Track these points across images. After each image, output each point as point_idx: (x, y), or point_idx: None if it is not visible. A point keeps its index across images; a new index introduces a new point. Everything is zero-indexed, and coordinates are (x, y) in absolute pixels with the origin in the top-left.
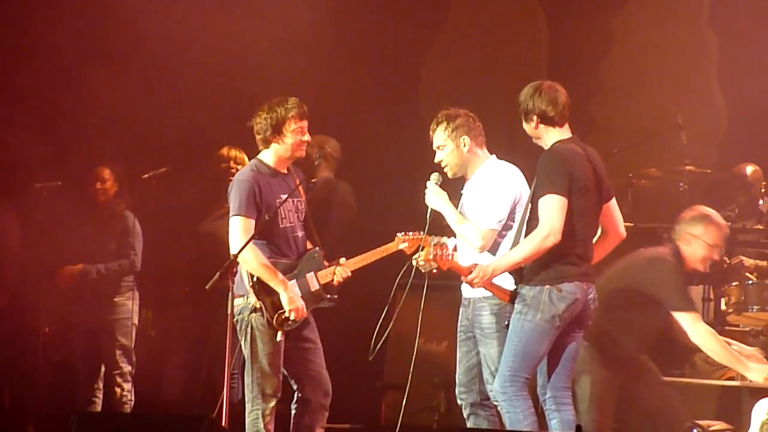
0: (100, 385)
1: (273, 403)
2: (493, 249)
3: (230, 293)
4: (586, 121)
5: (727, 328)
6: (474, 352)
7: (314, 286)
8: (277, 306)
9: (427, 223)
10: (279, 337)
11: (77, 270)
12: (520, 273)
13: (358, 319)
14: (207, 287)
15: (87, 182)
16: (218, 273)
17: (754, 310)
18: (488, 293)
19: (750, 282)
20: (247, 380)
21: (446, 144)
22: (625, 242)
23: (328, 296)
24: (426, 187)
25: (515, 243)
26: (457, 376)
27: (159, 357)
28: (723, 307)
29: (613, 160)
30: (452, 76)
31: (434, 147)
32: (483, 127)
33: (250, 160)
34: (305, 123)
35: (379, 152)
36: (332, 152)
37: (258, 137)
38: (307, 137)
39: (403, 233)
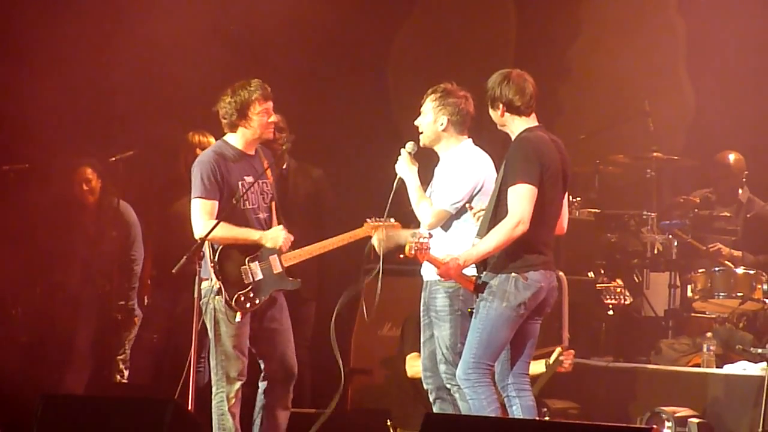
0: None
1: (238, 386)
2: (446, 228)
3: (197, 277)
4: (553, 107)
5: (693, 314)
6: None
7: (277, 269)
8: (236, 286)
9: (393, 191)
10: (237, 318)
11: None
12: (485, 261)
13: (325, 304)
14: (174, 271)
15: (72, 184)
16: (185, 256)
17: (721, 296)
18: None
19: (716, 269)
20: (213, 363)
21: (427, 114)
22: (592, 228)
23: (291, 279)
24: (399, 154)
25: (481, 229)
26: (421, 361)
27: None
28: (689, 293)
29: (581, 146)
30: (420, 62)
31: (421, 110)
32: None
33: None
34: (270, 104)
35: (346, 136)
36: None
37: (224, 122)
38: (273, 118)
39: (372, 219)
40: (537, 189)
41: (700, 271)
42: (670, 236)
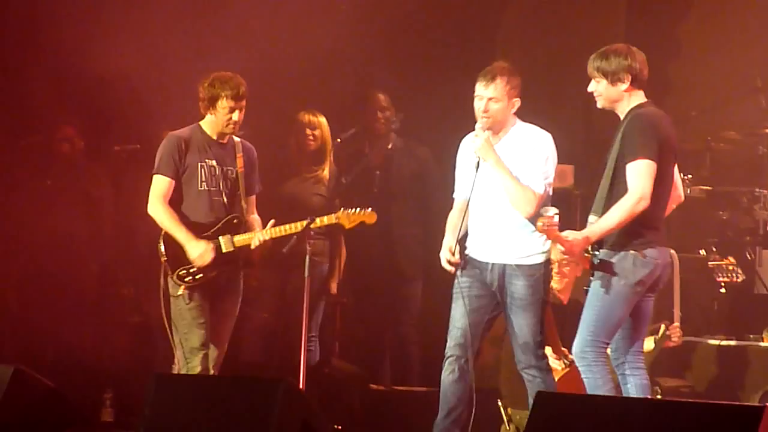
0: None
1: (201, 356)
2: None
3: (307, 256)
4: (664, 83)
5: None
6: (488, 315)
7: (227, 248)
8: (179, 262)
9: (475, 175)
10: (180, 291)
11: None
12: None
13: (431, 283)
14: (284, 250)
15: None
16: (295, 235)
17: None
18: (521, 261)
19: None
20: (176, 338)
21: (502, 100)
22: (702, 205)
23: (244, 259)
24: (476, 136)
25: (596, 207)
26: (459, 331)
27: (237, 320)
28: None
29: (692, 122)
30: (528, 38)
31: (484, 95)
32: (559, 91)
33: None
34: (240, 103)
35: (452, 115)
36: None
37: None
38: (236, 116)
39: (342, 209)
40: (656, 164)
41: None
42: None
